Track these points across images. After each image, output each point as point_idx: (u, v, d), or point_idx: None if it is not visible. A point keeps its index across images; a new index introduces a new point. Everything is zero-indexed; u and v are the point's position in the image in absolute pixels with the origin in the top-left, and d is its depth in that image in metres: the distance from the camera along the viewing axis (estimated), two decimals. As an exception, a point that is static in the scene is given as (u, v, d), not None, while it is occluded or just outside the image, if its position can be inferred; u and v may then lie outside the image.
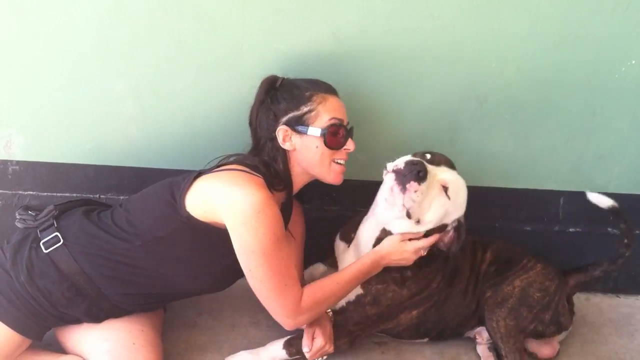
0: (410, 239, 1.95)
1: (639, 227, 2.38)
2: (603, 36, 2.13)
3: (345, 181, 2.30)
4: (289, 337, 2.06)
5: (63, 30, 2.08)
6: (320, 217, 2.37)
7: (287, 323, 1.87)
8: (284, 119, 1.91)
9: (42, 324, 1.89)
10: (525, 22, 2.10)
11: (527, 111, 2.24)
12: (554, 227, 2.41)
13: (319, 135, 1.90)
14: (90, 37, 2.09)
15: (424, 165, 1.83)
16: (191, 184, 1.85)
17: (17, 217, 1.98)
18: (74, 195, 2.27)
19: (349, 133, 1.98)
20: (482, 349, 2.18)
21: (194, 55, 2.11)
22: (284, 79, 1.99)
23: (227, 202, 1.78)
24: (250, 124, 2.01)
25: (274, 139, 1.93)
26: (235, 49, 2.09)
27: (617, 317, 2.37)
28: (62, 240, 1.87)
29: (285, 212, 2.03)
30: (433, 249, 1.99)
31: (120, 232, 1.86)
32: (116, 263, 1.85)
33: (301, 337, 2.02)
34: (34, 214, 1.97)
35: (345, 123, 1.96)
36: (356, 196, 2.35)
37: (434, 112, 2.23)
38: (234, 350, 2.11)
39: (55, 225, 1.91)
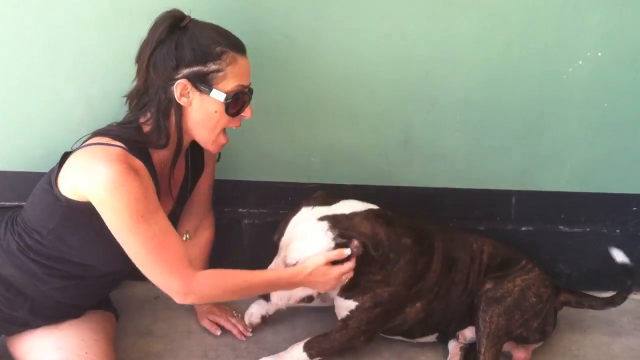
0: (334, 263, 1.90)
1: (590, 224, 2.45)
2: (551, 37, 2.17)
3: (299, 185, 2.33)
4: (307, 339, 2.05)
5: (10, 34, 2.04)
6: (275, 220, 2.33)
7: (177, 298, 1.80)
8: (186, 71, 1.73)
9: None
10: (475, 23, 2.13)
11: (477, 112, 2.27)
12: (507, 226, 2.44)
13: (222, 100, 1.76)
14: (39, 41, 2.05)
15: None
16: (60, 167, 1.79)
17: None
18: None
19: (249, 99, 1.85)
20: (454, 347, 2.16)
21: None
22: (191, 18, 1.78)
23: (84, 183, 1.71)
24: (139, 61, 1.79)
25: (167, 88, 1.75)
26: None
27: (570, 313, 2.40)
28: None
29: (178, 170, 1.96)
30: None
31: (22, 232, 1.83)
32: (35, 260, 1.82)
33: (321, 338, 2.04)
34: None
35: (248, 91, 1.84)
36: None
37: (386, 113, 2.24)
38: (190, 357, 2.09)
39: None
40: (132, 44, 2.04)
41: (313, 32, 2.11)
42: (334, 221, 1.94)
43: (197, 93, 1.76)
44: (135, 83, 1.83)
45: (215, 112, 1.78)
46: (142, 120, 1.82)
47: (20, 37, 2.05)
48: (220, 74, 1.74)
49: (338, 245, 1.89)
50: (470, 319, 2.13)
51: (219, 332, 2.19)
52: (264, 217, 2.37)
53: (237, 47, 1.78)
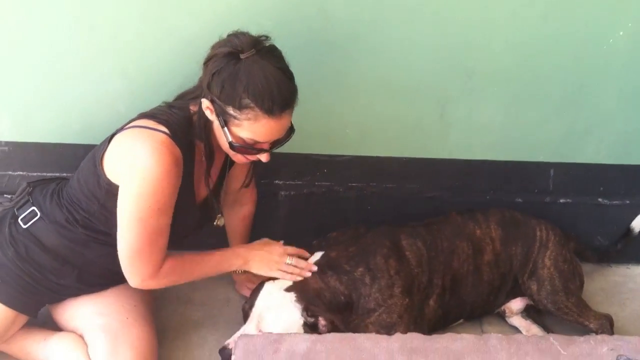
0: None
1: (629, 197, 2.42)
2: (591, 8, 2.12)
3: (335, 157, 2.33)
4: None
5: (47, 6, 2.05)
6: (311, 192, 2.38)
7: (135, 284, 1.84)
8: (212, 97, 1.71)
9: (35, 299, 1.90)
10: (513, -7, 2.10)
11: (515, 84, 2.24)
12: (544, 198, 2.42)
13: (227, 141, 1.75)
14: (75, 13, 2.07)
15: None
16: (107, 147, 1.82)
17: None
18: (64, 175, 2.27)
19: (271, 148, 1.80)
20: (517, 320, 2.21)
21: (182, 31, 2.08)
22: (254, 55, 1.68)
23: (122, 163, 1.75)
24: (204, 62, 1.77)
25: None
26: (224, 24, 2.06)
27: (608, 285, 2.39)
28: (39, 214, 1.89)
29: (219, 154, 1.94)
30: None
31: (70, 206, 1.87)
32: (83, 232, 1.87)
33: None
34: (9, 196, 2.00)
35: (267, 145, 1.78)
36: (346, 172, 2.36)
37: (422, 85, 2.22)
38: (229, 325, 2.12)
39: (31, 201, 1.92)
40: (169, 16, 2.08)
41: (348, 4, 2.09)
42: (300, 291, 1.93)
43: (216, 119, 1.74)
44: None
45: (226, 142, 1.77)
46: (192, 109, 1.83)
47: (58, 9, 2.06)
48: (236, 121, 1.70)
49: (308, 324, 1.88)
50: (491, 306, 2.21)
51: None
52: (300, 188, 2.37)
53: (267, 109, 1.67)
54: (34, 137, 2.24)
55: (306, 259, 2.02)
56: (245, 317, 1.96)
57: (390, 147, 2.33)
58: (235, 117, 1.69)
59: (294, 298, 1.91)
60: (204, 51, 1.81)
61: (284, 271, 1.96)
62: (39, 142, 2.24)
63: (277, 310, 1.89)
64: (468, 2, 2.10)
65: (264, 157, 1.81)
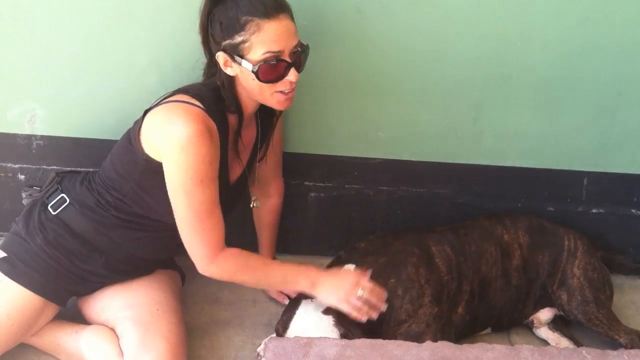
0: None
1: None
2: (629, 14, 2.09)
3: (366, 159, 2.32)
4: None
5: (85, 2, 2.07)
6: (341, 194, 2.37)
7: (200, 266, 1.85)
8: (223, 44, 1.75)
9: (62, 286, 1.92)
10: (551, -2, 2.07)
11: (551, 90, 2.21)
12: (577, 207, 2.38)
13: (250, 70, 1.74)
14: (112, 8, 2.08)
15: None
16: (142, 122, 1.84)
17: (23, 195, 2.06)
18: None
19: (294, 61, 1.77)
20: (545, 332, 2.18)
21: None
22: None
23: (159, 136, 1.76)
24: (200, 32, 1.84)
25: (216, 60, 1.80)
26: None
27: (639, 298, 2.35)
28: (68, 200, 1.92)
29: (248, 135, 1.98)
30: None
31: (102, 189, 1.90)
32: (115, 215, 1.89)
33: None
34: (38, 188, 2.03)
35: (285, 52, 1.75)
36: (377, 175, 2.35)
37: (457, 89, 2.20)
38: (256, 325, 2.13)
39: (60, 189, 1.95)
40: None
41: (384, 6, 2.08)
42: (338, 314, 1.85)
43: (236, 64, 1.77)
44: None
45: (253, 79, 1.77)
46: (219, 83, 1.86)
47: (94, 5, 2.08)
48: (246, 44, 1.72)
49: None
50: (520, 315, 2.17)
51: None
52: (330, 190, 2.37)
53: (262, 12, 1.70)
54: (68, 131, 2.26)
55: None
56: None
57: (422, 151, 2.32)
58: (244, 42, 1.72)
59: (332, 322, 1.84)
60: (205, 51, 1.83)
61: (354, 305, 1.82)
62: (73, 137, 2.26)
63: (314, 334, 1.81)
64: (505, 7, 2.08)
65: (292, 75, 1.78)
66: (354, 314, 1.82)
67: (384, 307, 1.86)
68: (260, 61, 1.73)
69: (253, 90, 1.81)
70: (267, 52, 1.73)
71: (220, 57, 1.77)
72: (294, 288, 1.94)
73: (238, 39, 1.72)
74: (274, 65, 1.74)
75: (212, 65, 1.88)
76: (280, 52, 1.74)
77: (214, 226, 1.81)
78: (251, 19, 1.70)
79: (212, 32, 1.78)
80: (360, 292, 1.82)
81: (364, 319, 1.82)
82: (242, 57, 1.74)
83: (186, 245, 1.84)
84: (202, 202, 1.77)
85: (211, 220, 1.80)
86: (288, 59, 1.76)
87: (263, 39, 1.72)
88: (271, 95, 1.81)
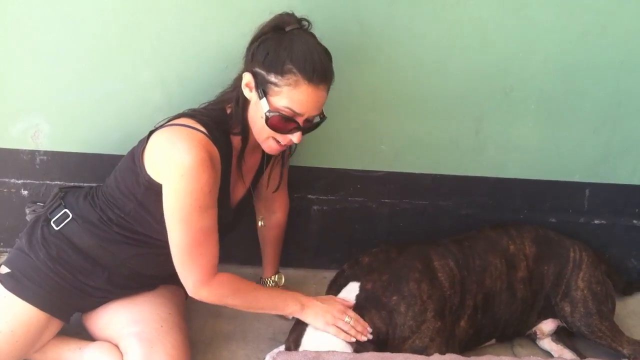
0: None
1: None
2: (630, 26, 2.11)
3: (369, 172, 2.33)
4: None
5: (90, 17, 2.08)
6: (344, 207, 2.37)
7: (191, 291, 1.85)
8: (257, 70, 1.76)
9: (66, 301, 1.91)
10: (552, 11, 2.09)
11: (552, 102, 2.23)
12: (579, 218, 2.40)
13: (264, 111, 1.76)
14: (117, 25, 2.09)
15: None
16: (146, 143, 1.85)
17: (27, 212, 2.05)
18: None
19: (304, 127, 1.81)
20: (548, 344, 2.18)
21: (221, 42, 2.10)
22: (300, 28, 1.78)
23: (161, 159, 1.77)
24: (250, 43, 1.84)
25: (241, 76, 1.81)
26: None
27: (641, 309, 2.37)
28: (71, 215, 1.92)
29: (253, 158, 1.99)
30: None
31: (105, 206, 1.90)
32: (117, 232, 1.89)
33: None
34: (42, 203, 2.03)
35: (302, 117, 1.78)
36: (380, 187, 2.36)
37: (459, 102, 2.22)
38: (260, 339, 2.12)
39: (63, 204, 1.95)
40: (209, 29, 2.09)
41: (386, 19, 2.09)
42: None
43: (255, 92, 1.78)
44: None
45: (261, 117, 1.79)
46: (228, 109, 1.88)
47: (99, 20, 2.09)
48: (276, 88, 1.74)
49: None
50: (524, 326, 2.17)
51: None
52: (333, 203, 2.37)
53: (307, 74, 1.72)
54: (73, 147, 2.26)
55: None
56: None
57: (425, 164, 2.33)
58: (275, 84, 1.73)
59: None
60: (242, 63, 1.84)
61: (340, 328, 1.86)
62: (77, 152, 2.26)
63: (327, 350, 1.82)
64: (507, 19, 2.10)
65: (296, 137, 1.80)
66: (341, 337, 1.86)
67: (369, 335, 1.88)
68: (277, 109, 1.76)
69: (255, 123, 1.83)
70: (289, 108, 1.75)
71: (247, 77, 1.78)
72: (283, 311, 1.97)
73: (273, 79, 1.73)
74: (286, 120, 1.77)
75: (237, 79, 1.87)
76: (299, 114, 1.77)
77: (207, 252, 1.82)
78: (295, 72, 1.71)
79: (255, 52, 1.78)
80: (347, 319, 1.88)
81: (351, 340, 1.86)
82: (265, 94, 1.76)
83: (178, 270, 1.84)
84: (198, 229, 1.77)
85: (205, 246, 1.81)
86: (301, 123, 1.79)
87: (292, 96, 1.74)
88: (267, 138, 1.83)
